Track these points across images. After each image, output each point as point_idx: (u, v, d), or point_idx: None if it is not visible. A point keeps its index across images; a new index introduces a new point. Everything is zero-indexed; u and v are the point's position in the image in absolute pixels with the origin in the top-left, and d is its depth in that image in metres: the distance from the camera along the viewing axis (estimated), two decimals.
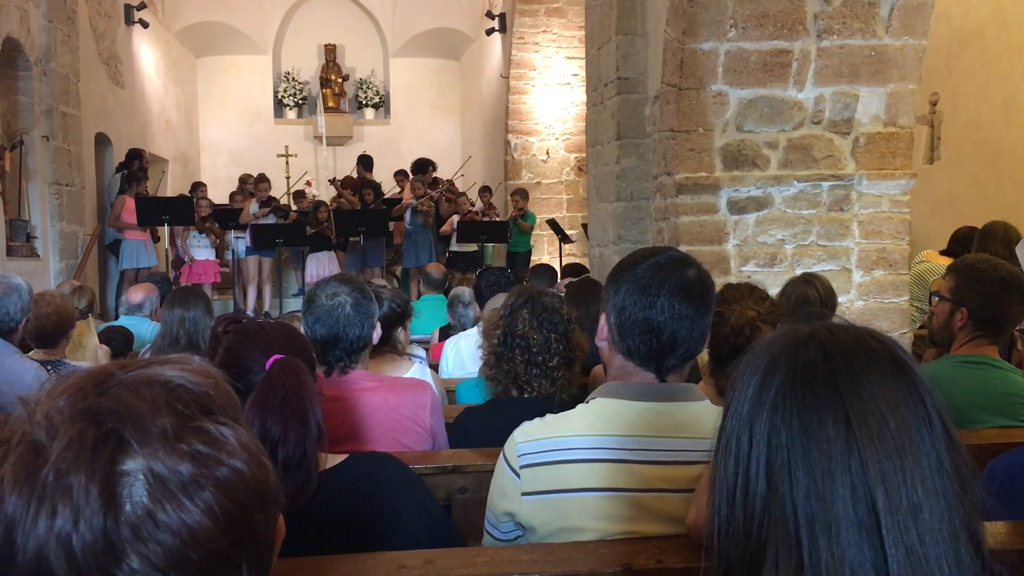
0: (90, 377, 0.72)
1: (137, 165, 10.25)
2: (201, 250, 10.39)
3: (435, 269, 6.66)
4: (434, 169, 11.89)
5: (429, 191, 11.13)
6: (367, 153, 12.54)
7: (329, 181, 12.35)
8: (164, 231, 9.98)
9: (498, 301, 3.35)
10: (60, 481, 0.64)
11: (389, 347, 3.03)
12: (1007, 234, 4.76)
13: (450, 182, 12.24)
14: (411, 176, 11.55)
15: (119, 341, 4.61)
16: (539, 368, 2.45)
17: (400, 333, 3.15)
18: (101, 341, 4.64)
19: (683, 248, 1.83)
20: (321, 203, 11.32)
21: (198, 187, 11.48)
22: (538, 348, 2.45)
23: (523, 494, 1.63)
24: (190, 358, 0.78)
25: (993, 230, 4.82)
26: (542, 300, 2.52)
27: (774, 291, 3.34)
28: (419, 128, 16.27)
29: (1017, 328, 2.62)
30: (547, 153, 12.15)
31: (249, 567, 0.71)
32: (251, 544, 0.71)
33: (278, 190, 12.08)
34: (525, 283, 5.70)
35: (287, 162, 14.17)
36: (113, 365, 0.74)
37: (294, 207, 11.59)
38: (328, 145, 15.49)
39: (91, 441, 0.66)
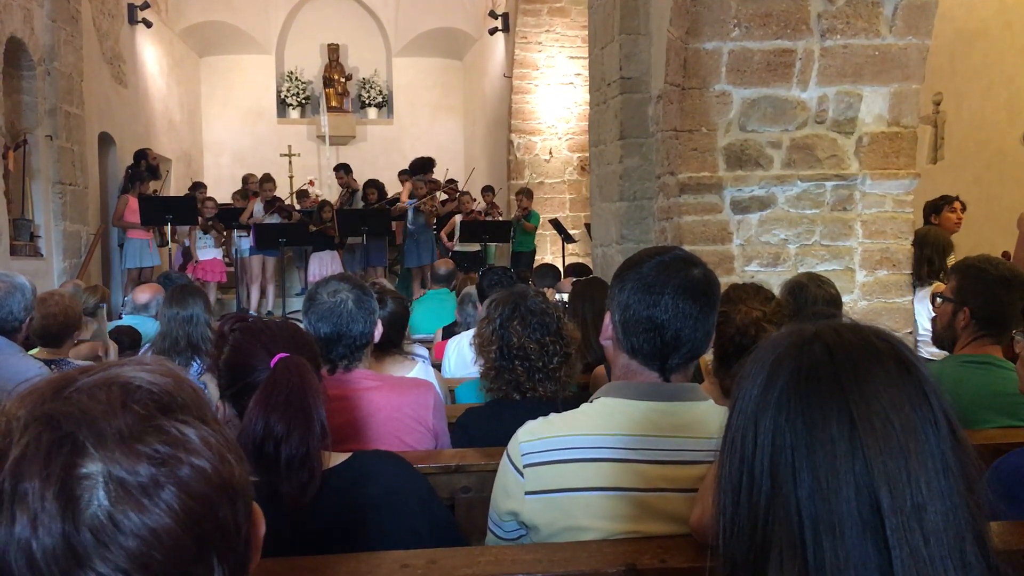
0: (50, 383, 0.72)
1: (144, 165, 10.28)
2: (207, 250, 10.41)
3: (443, 264, 6.77)
4: (434, 167, 11.85)
5: (425, 189, 11.10)
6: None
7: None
8: (169, 231, 9.99)
9: (480, 311, 3.34)
10: (16, 487, 0.64)
11: (396, 348, 3.03)
12: (925, 238, 4.85)
13: (452, 181, 12.24)
14: (412, 176, 11.55)
15: (126, 341, 4.61)
16: (542, 373, 2.45)
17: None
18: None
19: (686, 248, 1.82)
20: (325, 203, 11.33)
21: (198, 187, 11.49)
22: (536, 355, 2.45)
23: (527, 493, 1.62)
24: (152, 358, 0.77)
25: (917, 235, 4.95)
26: (527, 305, 2.50)
27: (779, 291, 3.33)
28: (422, 128, 16.28)
29: (1015, 329, 2.62)
30: (550, 153, 12.15)
31: (221, 562, 0.71)
32: (220, 540, 0.71)
33: (281, 190, 12.09)
34: (530, 282, 5.70)
35: (290, 162, 14.18)
36: (75, 371, 0.74)
37: (298, 207, 11.61)
38: (331, 145, 15.51)
39: (46, 446, 0.65)
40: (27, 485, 0.64)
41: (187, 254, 10.47)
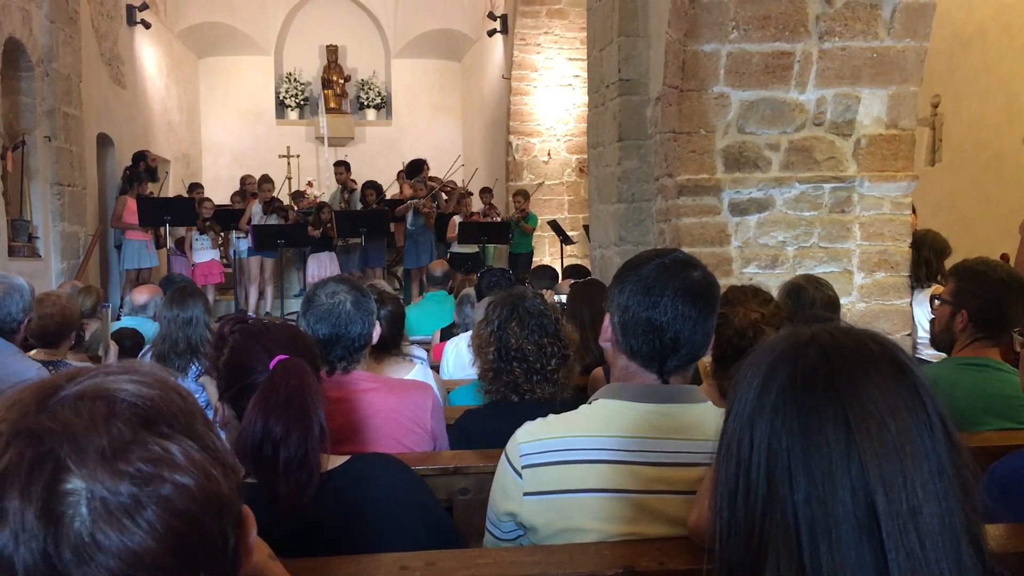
0: (34, 392, 0.71)
1: (143, 166, 10.27)
2: (204, 251, 10.40)
3: (438, 266, 6.68)
4: (427, 168, 11.86)
5: (425, 190, 11.11)
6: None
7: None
8: (166, 232, 9.98)
9: (478, 312, 3.35)
10: None
11: (394, 350, 3.03)
12: (923, 239, 4.87)
13: (452, 182, 12.24)
14: (409, 179, 11.55)
15: (127, 344, 4.60)
16: (539, 374, 2.46)
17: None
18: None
19: (685, 250, 1.83)
20: (324, 204, 11.32)
21: (195, 188, 11.50)
22: (534, 357, 2.45)
23: (525, 494, 1.63)
24: (141, 365, 0.76)
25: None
26: (526, 306, 2.50)
27: (777, 293, 3.34)
28: (420, 129, 16.28)
29: (1015, 329, 2.62)
30: (548, 154, 12.15)
31: (207, 575, 0.71)
32: (205, 555, 0.70)
33: (280, 191, 12.08)
34: (527, 283, 5.71)
35: (288, 163, 14.18)
36: (61, 377, 0.73)
37: (295, 207, 11.60)
38: (329, 146, 15.51)
39: (28, 463, 0.65)
40: (7, 504, 0.64)
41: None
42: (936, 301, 2.83)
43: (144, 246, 9.67)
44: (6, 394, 0.72)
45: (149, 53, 12.41)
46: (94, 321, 4.76)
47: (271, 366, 1.57)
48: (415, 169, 11.62)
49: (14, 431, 0.67)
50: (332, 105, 15.94)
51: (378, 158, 15.34)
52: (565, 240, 11.16)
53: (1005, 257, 5.83)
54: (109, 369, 0.74)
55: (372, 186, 11.39)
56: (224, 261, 10.92)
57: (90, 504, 0.64)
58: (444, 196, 11.46)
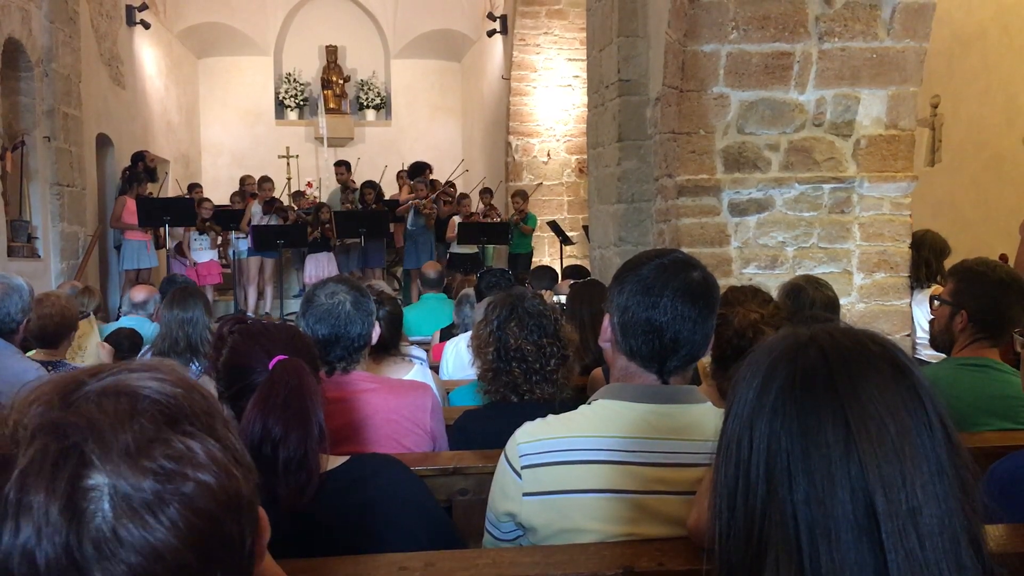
0: (57, 387, 0.71)
1: (142, 167, 10.27)
2: (203, 252, 10.39)
3: (431, 268, 6.58)
4: (430, 172, 11.89)
5: (427, 191, 11.12)
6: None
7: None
8: (165, 232, 9.97)
9: (478, 312, 3.36)
10: (22, 499, 0.64)
11: (394, 350, 3.03)
12: (923, 240, 4.88)
13: (451, 184, 12.24)
14: (410, 180, 11.55)
15: (126, 345, 4.59)
16: (538, 375, 2.46)
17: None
18: (110, 343, 4.63)
19: (684, 250, 1.82)
20: (323, 204, 11.32)
21: (194, 188, 11.49)
22: (534, 357, 2.45)
23: (524, 494, 1.63)
24: (163, 363, 0.77)
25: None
26: (525, 307, 2.51)
27: (776, 293, 3.34)
28: (420, 129, 16.28)
29: (1016, 329, 2.62)
30: (548, 155, 12.15)
31: (224, 574, 0.71)
32: (224, 554, 0.71)
33: (280, 191, 12.08)
34: (527, 284, 5.70)
35: (288, 163, 14.17)
36: (84, 373, 0.73)
37: (295, 207, 11.61)
38: (329, 146, 15.50)
39: (52, 457, 0.65)
40: (32, 498, 0.64)
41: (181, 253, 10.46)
42: (936, 301, 2.83)
43: (143, 246, 9.67)
44: (26, 389, 0.72)
45: (148, 53, 12.41)
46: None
47: (270, 366, 1.57)
48: (417, 172, 11.62)
49: (39, 425, 0.67)
50: (332, 105, 15.94)
51: (377, 158, 15.33)
52: (565, 241, 11.16)
53: (1004, 257, 5.83)
54: (131, 366, 0.75)
55: (370, 185, 11.39)
56: (223, 261, 10.92)
57: (113, 500, 0.65)
58: (443, 202, 11.48)
